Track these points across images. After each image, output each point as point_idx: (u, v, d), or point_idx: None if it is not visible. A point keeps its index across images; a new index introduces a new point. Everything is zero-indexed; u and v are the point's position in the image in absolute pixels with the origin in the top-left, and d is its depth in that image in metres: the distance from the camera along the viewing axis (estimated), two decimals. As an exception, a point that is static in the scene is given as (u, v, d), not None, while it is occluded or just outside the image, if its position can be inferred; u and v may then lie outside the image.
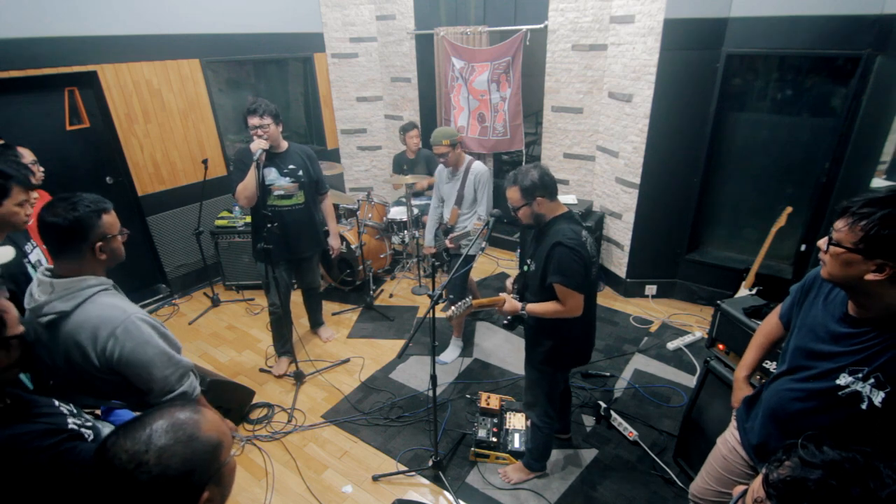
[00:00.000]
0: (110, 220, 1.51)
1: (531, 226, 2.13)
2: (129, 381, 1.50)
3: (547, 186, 2.02)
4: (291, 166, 2.99)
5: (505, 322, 2.17)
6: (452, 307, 2.14)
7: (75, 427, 1.20)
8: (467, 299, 2.19)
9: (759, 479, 0.81)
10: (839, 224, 1.23)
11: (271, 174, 2.96)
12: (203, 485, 0.84)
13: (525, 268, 2.20)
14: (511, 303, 2.15)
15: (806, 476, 0.72)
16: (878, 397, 1.22)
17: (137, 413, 1.48)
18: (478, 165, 3.27)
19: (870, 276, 1.17)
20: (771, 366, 2.03)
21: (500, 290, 4.48)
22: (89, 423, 1.26)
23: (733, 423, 1.71)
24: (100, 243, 1.47)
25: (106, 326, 1.43)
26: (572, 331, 2.14)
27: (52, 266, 1.52)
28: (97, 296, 1.47)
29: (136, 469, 0.78)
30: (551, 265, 1.98)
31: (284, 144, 2.98)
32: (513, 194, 2.06)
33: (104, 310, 1.45)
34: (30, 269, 1.98)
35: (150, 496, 0.79)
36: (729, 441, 1.69)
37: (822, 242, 1.28)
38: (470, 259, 2.35)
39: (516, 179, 2.04)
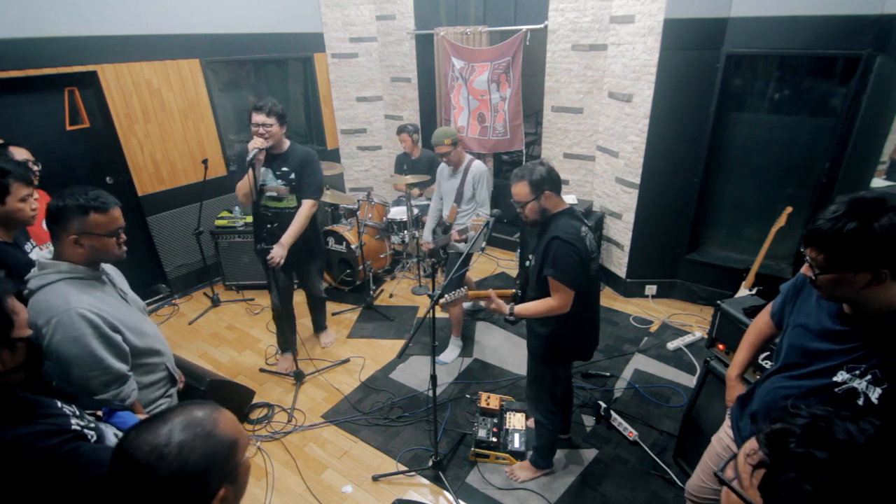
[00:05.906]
0: (100, 219, 1.51)
1: (536, 222, 2.12)
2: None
3: (555, 181, 2.05)
4: (285, 169, 2.93)
5: (507, 319, 2.19)
6: (446, 295, 2.18)
7: (78, 428, 1.20)
8: (462, 289, 2.23)
9: (747, 444, 0.84)
10: (812, 253, 1.23)
11: (267, 175, 2.94)
12: (220, 482, 0.84)
13: (527, 263, 2.22)
14: (498, 303, 2.17)
15: (792, 424, 0.78)
16: (874, 394, 1.22)
17: (139, 417, 1.49)
18: (477, 164, 3.31)
19: (873, 287, 1.18)
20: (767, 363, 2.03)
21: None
22: (92, 425, 1.27)
23: (727, 422, 1.72)
24: (75, 237, 1.49)
25: (45, 314, 1.46)
26: (571, 325, 2.15)
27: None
28: (59, 283, 1.49)
29: (157, 461, 0.79)
30: (548, 258, 2.01)
31: (286, 145, 2.94)
32: (521, 189, 2.03)
33: (53, 298, 1.47)
34: None
35: (167, 492, 0.80)
36: (723, 439, 1.70)
37: (807, 271, 1.28)
38: (468, 258, 2.38)
39: (524, 175, 2.02)
